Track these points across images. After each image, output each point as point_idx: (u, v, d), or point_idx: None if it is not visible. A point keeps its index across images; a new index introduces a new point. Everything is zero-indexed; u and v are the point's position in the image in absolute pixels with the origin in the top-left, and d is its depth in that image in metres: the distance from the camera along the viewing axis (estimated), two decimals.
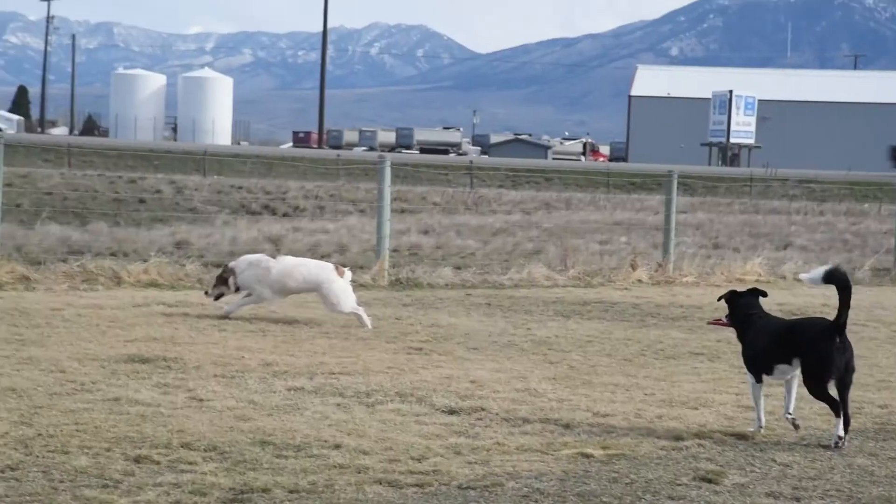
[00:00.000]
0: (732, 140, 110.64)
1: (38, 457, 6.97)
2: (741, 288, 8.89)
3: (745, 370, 8.46)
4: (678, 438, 8.05)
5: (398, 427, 8.09)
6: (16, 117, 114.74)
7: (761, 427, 8.30)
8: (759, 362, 8.26)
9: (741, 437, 8.19)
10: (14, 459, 6.88)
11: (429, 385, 9.59)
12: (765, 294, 8.62)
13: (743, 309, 8.51)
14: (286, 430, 7.80)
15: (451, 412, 8.63)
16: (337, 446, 7.46)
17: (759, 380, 8.28)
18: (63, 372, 9.49)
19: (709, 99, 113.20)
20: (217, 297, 13.09)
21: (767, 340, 8.25)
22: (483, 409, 8.72)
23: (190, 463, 6.96)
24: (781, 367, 8.19)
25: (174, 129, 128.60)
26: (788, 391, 8.29)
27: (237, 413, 8.27)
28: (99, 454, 7.06)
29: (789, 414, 8.27)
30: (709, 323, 10.03)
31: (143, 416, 8.03)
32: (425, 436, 7.86)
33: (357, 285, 16.55)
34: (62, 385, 8.99)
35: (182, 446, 7.30)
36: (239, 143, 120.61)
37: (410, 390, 9.33)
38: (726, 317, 8.67)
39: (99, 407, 8.28)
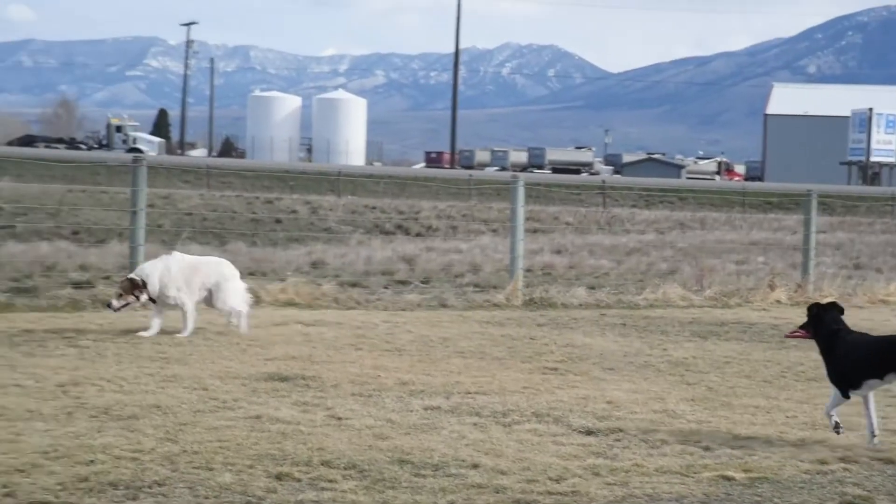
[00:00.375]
0: (873, 159, 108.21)
1: (183, 473, 7.11)
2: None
3: (831, 384, 8.46)
4: (823, 462, 7.90)
5: (535, 447, 8.07)
6: (157, 139, 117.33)
7: (839, 426, 8.29)
8: (850, 378, 8.20)
9: (889, 461, 7.99)
10: (161, 475, 7.04)
11: (565, 405, 9.55)
12: (843, 310, 8.58)
13: (829, 324, 8.41)
14: (424, 449, 7.83)
15: (589, 433, 8.59)
16: (475, 466, 7.47)
17: (846, 396, 8.27)
18: (205, 389, 9.68)
19: (848, 117, 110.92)
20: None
21: (861, 356, 8.17)
22: (621, 430, 8.66)
23: (330, 481, 7.04)
24: (871, 382, 8.18)
25: (309, 150, 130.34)
26: (868, 412, 8.31)
27: (375, 431, 8.34)
28: (242, 471, 7.18)
29: (875, 436, 8.25)
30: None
31: (284, 434, 8.14)
32: (563, 456, 7.82)
33: (491, 305, 16.63)
34: (205, 402, 9.16)
35: (322, 464, 7.39)
36: (372, 164, 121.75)
37: (547, 410, 9.31)
38: (801, 327, 8.56)
39: (241, 424, 8.42)
